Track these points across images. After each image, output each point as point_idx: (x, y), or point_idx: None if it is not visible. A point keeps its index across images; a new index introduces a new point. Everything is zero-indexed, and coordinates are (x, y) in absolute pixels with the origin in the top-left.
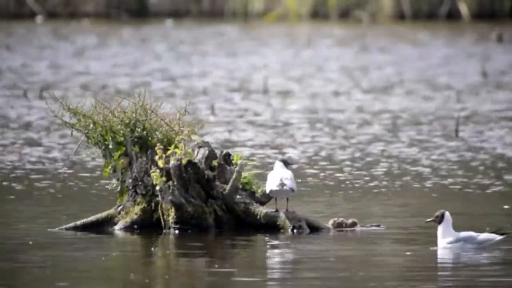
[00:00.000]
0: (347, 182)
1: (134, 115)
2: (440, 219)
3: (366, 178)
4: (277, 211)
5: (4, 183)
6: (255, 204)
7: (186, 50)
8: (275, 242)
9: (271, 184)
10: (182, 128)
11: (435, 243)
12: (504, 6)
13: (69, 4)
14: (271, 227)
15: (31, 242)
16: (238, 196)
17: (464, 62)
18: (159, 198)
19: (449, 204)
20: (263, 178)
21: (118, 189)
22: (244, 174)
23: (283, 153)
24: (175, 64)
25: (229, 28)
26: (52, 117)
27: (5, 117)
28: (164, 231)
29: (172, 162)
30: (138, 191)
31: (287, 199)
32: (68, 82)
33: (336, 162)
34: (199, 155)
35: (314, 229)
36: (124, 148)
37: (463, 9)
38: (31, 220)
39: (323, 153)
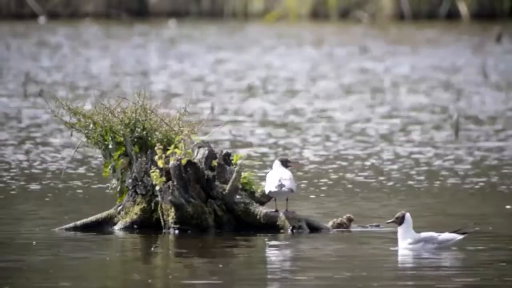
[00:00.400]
0: (347, 182)
1: (134, 115)
2: (400, 220)
3: (366, 178)
4: (276, 211)
5: (4, 183)
6: (254, 204)
7: (195, 49)
8: (275, 242)
9: (270, 185)
10: (182, 128)
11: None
12: (504, 6)
13: (69, 4)
14: (271, 227)
15: (35, 243)
16: (238, 196)
17: (464, 62)
18: (159, 198)
19: (449, 204)
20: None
21: (118, 189)
22: (243, 174)
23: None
24: (184, 63)
25: (231, 26)
26: (52, 117)
27: (5, 116)
28: (164, 231)
29: (172, 162)
30: (138, 191)
31: (287, 199)
32: (73, 82)
33: (336, 162)
34: (199, 155)
35: (314, 229)
36: (124, 148)
37: (463, 9)
38: (31, 220)
39: (323, 153)
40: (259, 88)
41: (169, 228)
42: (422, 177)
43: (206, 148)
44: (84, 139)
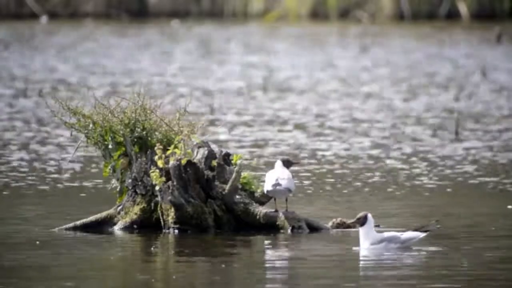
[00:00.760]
0: (347, 183)
1: (133, 115)
2: (362, 221)
3: (366, 179)
4: (276, 211)
5: (4, 183)
6: (254, 204)
7: (204, 49)
8: (275, 242)
9: (267, 184)
10: (181, 128)
11: (435, 243)
12: (504, 6)
13: (69, 4)
14: (270, 227)
15: (38, 242)
16: (237, 196)
17: (463, 62)
18: (159, 198)
19: (450, 205)
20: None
21: (118, 189)
22: (243, 174)
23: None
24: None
25: (231, 26)
26: (52, 117)
27: (5, 116)
28: (163, 231)
29: (172, 162)
30: (138, 191)
31: (286, 199)
32: (77, 81)
33: (336, 163)
34: (199, 155)
35: (314, 229)
36: (123, 148)
37: (463, 9)
38: (31, 220)
39: (323, 154)
40: (259, 88)
41: (169, 228)
42: (422, 177)
43: (206, 148)
44: (84, 139)
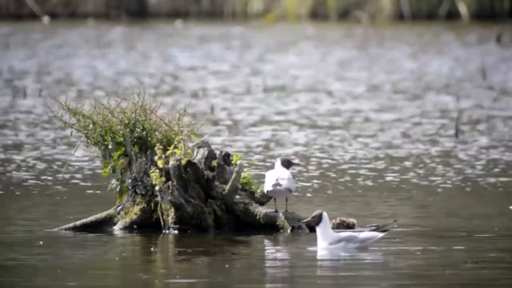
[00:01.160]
0: (347, 183)
1: (133, 115)
2: (318, 219)
3: (366, 179)
4: (276, 211)
5: (4, 183)
6: (254, 204)
7: (214, 49)
8: (275, 242)
9: (267, 184)
10: (181, 129)
11: (434, 243)
12: (504, 6)
13: (69, 4)
14: (270, 227)
15: (41, 242)
16: (237, 196)
17: (463, 62)
18: (159, 198)
19: (451, 205)
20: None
21: (118, 189)
22: (243, 175)
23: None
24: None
25: (235, 28)
26: (52, 117)
27: (5, 116)
28: (163, 231)
29: (172, 162)
30: (138, 191)
31: (286, 199)
32: (84, 81)
33: (337, 162)
34: (199, 156)
35: (314, 229)
36: (123, 148)
37: (463, 9)
38: (31, 220)
39: (323, 154)
40: (259, 88)
41: (168, 228)
42: (422, 178)
43: (206, 148)
44: (84, 139)
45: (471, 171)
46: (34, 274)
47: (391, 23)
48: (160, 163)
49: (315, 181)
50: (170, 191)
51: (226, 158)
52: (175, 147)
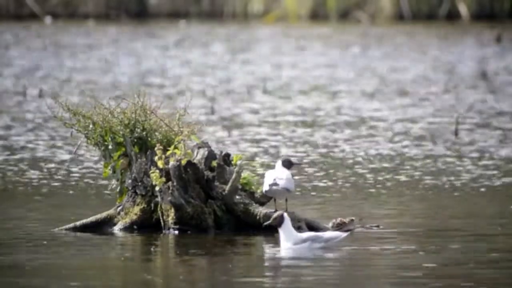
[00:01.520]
0: (347, 183)
1: (133, 115)
2: (279, 220)
3: (366, 179)
4: (276, 211)
5: (4, 184)
6: (254, 204)
7: (222, 50)
8: (275, 242)
9: (265, 184)
10: (181, 129)
11: (435, 243)
12: (504, 7)
13: (69, 5)
14: (270, 227)
15: (45, 242)
16: (237, 197)
17: (463, 62)
18: (159, 199)
19: (451, 205)
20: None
21: (118, 189)
22: (243, 175)
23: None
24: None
25: (233, 27)
26: (52, 117)
27: (5, 116)
28: (163, 231)
29: (172, 162)
30: (138, 191)
31: (286, 199)
32: (92, 81)
33: (337, 162)
34: (199, 156)
35: (314, 229)
36: (123, 149)
37: (463, 9)
38: (31, 220)
39: (323, 154)
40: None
41: (169, 228)
42: (423, 178)
43: (206, 149)
44: (84, 139)
45: (471, 171)
46: (34, 274)
47: (391, 23)
48: (160, 164)
49: (315, 181)
50: (170, 191)
51: (226, 158)
52: (175, 148)
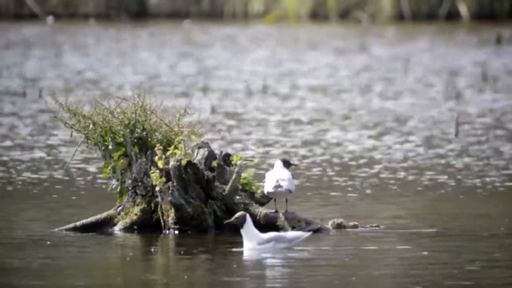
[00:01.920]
0: (347, 183)
1: (133, 115)
2: (242, 220)
3: (366, 179)
4: (276, 211)
5: (4, 184)
6: (254, 204)
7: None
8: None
9: (268, 186)
10: (181, 129)
11: (439, 243)
12: (504, 7)
13: (69, 5)
14: (270, 227)
15: (49, 242)
16: (237, 197)
17: (463, 62)
18: (159, 199)
19: (451, 205)
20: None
21: (118, 189)
22: (243, 175)
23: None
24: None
25: (232, 28)
26: (52, 117)
27: (5, 116)
28: (163, 232)
29: (172, 163)
30: (138, 191)
31: (286, 199)
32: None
33: (337, 163)
34: (199, 156)
35: (315, 230)
36: (123, 149)
37: (463, 9)
38: (31, 221)
39: (323, 153)
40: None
41: (169, 228)
42: (424, 178)
43: (206, 149)
44: (84, 140)
45: (472, 171)
46: (34, 274)
47: (391, 23)
48: (160, 164)
49: (315, 181)
50: (170, 191)
51: (226, 158)
52: (175, 148)
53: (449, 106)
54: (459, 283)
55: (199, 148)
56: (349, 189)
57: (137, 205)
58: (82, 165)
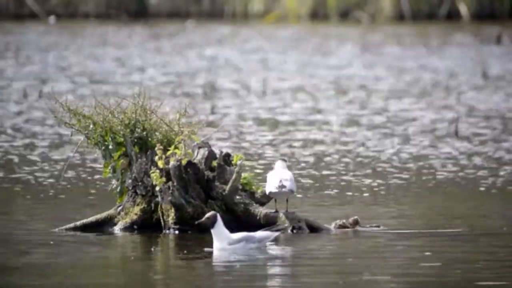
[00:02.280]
0: (347, 183)
1: (134, 115)
2: (212, 220)
3: (366, 179)
4: (276, 211)
5: (5, 184)
6: (254, 204)
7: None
8: (275, 242)
9: (270, 186)
10: (182, 129)
11: (435, 243)
12: (504, 7)
13: (69, 4)
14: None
15: (52, 242)
16: (237, 197)
17: (464, 62)
18: (159, 199)
19: (452, 205)
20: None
21: (118, 189)
22: (243, 175)
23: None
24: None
25: (230, 27)
26: (52, 117)
27: (5, 116)
28: (164, 231)
29: (172, 162)
30: (138, 191)
31: (287, 199)
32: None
33: (337, 163)
34: (199, 156)
35: (314, 229)
36: (124, 149)
37: (463, 9)
38: (31, 221)
39: (323, 154)
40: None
41: (169, 228)
42: (424, 178)
43: (206, 149)
44: (84, 140)
45: (471, 171)
46: (34, 274)
47: (391, 23)
48: (160, 164)
49: (315, 181)
50: (170, 191)
51: (226, 158)
52: (176, 148)
53: (449, 106)
54: (460, 283)
55: (199, 148)
56: (349, 189)
57: (137, 205)
58: (82, 165)
